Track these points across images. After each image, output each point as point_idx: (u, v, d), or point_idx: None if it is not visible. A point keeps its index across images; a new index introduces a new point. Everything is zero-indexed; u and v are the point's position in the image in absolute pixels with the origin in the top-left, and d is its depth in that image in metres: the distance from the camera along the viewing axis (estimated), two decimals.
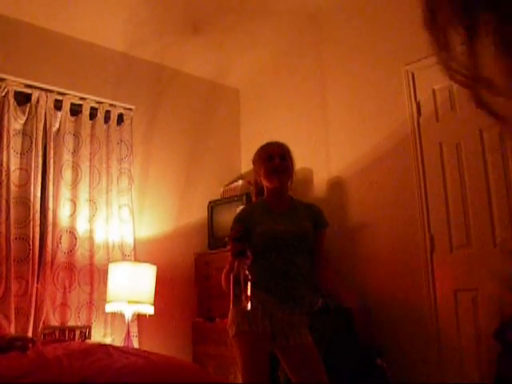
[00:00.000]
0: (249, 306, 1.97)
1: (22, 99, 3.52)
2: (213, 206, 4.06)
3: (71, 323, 3.38)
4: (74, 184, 3.60)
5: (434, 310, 3.08)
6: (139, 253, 3.79)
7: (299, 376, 2.18)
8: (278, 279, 2.22)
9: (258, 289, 2.12)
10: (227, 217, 3.80)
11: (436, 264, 3.11)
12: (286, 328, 2.19)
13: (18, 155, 3.43)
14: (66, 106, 3.66)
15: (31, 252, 3.30)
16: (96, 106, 3.81)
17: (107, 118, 3.86)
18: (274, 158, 2.34)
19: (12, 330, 3.09)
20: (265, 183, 2.37)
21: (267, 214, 2.33)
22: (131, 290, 3.32)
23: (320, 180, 3.91)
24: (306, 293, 2.29)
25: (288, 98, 4.30)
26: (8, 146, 3.35)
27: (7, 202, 3.28)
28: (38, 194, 3.44)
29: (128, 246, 3.73)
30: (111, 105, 3.88)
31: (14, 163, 3.39)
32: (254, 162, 2.43)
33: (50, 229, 3.42)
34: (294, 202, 2.43)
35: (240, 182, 4.16)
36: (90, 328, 3.40)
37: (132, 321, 3.48)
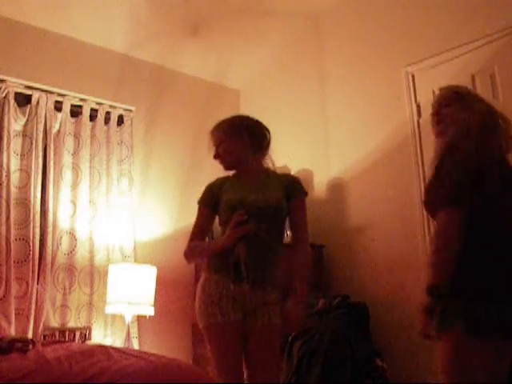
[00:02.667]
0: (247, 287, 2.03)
1: (22, 100, 3.52)
2: None
3: (71, 324, 3.38)
4: (75, 185, 3.60)
5: None
6: (139, 254, 3.79)
7: (250, 362, 2.07)
8: (249, 255, 2.03)
9: (228, 278, 2.05)
10: None
11: None
12: (257, 307, 2.06)
13: (18, 156, 3.43)
14: (66, 108, 3.66)
15: (31, 253, 3.30)
16: (96, 107, 3.81)
17: (107, 120, 3.86)
18: (215, 147, 2.25)
19: (12, 331, 3.09)
20: None
21: (237, 183, 2.22)
22: (131, 292, 3.32)
23: (320, 181, 3.91)
24: (277, 271, 2.13)
25: (288, 99, 4.30)
26: (8, 148, 3.35)
27: (7, 203, 3.27)
28: (38, 196, 3.44)
29: (128, 247, 3.73)
30: (111, 106, 3.88)
31: (14, 164, 3.39)
32: None
33: (50, 230, 3.42)
34: (270, 174, 2.24)
35: None
36: (90, 329, 3.40)
37: (132, 322, 3.48)
